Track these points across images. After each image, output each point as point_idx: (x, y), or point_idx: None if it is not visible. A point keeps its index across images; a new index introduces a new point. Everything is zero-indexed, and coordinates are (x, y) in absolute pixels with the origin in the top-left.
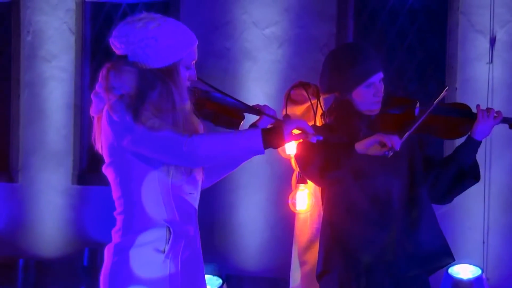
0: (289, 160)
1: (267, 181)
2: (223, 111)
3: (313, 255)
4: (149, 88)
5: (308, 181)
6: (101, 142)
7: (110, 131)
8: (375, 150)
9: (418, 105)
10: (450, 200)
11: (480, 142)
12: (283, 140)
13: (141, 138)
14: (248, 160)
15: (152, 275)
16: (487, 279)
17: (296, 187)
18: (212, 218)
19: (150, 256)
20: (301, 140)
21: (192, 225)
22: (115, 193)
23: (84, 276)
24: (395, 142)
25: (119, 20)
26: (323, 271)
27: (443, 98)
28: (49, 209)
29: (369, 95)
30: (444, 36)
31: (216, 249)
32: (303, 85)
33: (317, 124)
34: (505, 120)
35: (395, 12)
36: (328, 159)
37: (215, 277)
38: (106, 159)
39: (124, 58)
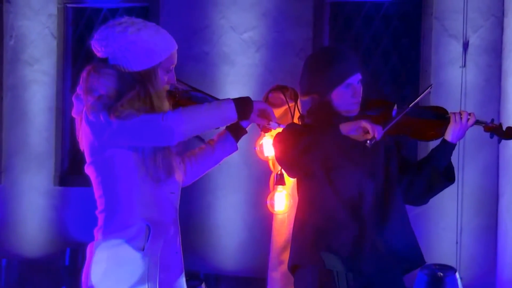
0: (267, 162)
1: (245, 183)
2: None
3: None
4: (127, 90)
5: (286, 183)
6: (82, 143)
7: (89, 131)
8: (357, 135)
9: (395, 107)
10: (425, 202)
11: (454, 145)
12: (251, 112)
13: (118, 129)
14: (225, 161)
15: (132, 272)
16: (461, 278)
17: (274, 189)
18: (191, 218)
19: (129, 254)
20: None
21: (172, 223)
22: (97, 192)
23: (65, 276)
24: (378, 131)
25: (100, 25)
26: (295, 265)
27: (423, 100)
28: (32, 210)
29: (347, 96)
30: (418, 40)
31: (195, 248)
32: (281, 88)
33: None
34: (478, 123)
35: (370, 17)
36: (312, 138)
37: (194, 276)
38: (87, 158)
39: (105, 61)
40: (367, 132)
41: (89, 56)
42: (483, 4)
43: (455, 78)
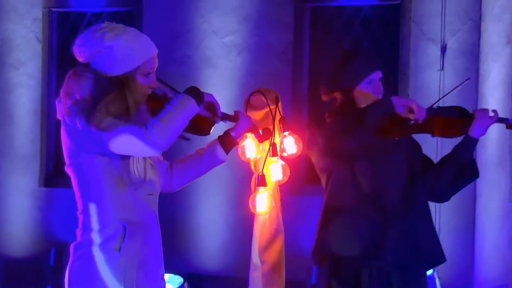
0: (248, 164)
1: (227, 184)
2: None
3: (272, 255)
4: (103, 94)
5: (268, 184)
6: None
7: (66, 134)
8: (403, 112)
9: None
10: (448, 198)
11: (477, 140)
12: (203, 99)
13: (99, 139)
14: (213, 167)
15: (109, 272)
16: (439, 278)
17: (256, 190)
18: (174, 219)
19: (106, 254)
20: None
21: (150, 224)
22: (76, 193)
23: (50, 275)
24: (422, 114)
25: (84, 29)
26: (318, 254)
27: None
28: (17, 211)
29: (370, 93)
30: (397, 44)
31: (178, 248)
32: (262, 91)
33: (275, 128)
34: (500, 120)
35: (350, 22)
36: (364, 112)
37: (177, 276)
38: (66, 160)
39: (87, 65)
40: (412, 111)
41: (74, 60)
42: (460, 8)
43: (433, 81)
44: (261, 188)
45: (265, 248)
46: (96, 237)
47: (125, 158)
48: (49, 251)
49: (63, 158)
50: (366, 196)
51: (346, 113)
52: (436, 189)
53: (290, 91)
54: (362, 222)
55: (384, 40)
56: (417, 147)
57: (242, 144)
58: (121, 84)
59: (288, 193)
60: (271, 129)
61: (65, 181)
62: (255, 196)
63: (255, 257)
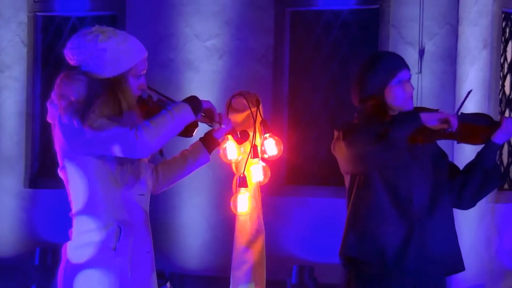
0: (230, 165)
1: (209, 185)
2: None
3: (253, 254)
4: (96, 96)
5: (249, 185)
6: (55, 146)
7: (61, 135)
8: (435, 125)
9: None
10: (474, 204)
11: (499, 146)
12: (201, 108)
13: (91, 140)
14: (197, 168)
15: (104, 271)
16: None
17: (237, 191)
18: (157, 219)
19: (102, 254)
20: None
21: (142, 224)
22: (69, 194)
23: (35, 275)
24: (455, 121)
25: (69, 32)
26: (346, 257)
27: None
28: (2, 211)
29: (400, 91)
30: (376, 47)
31: (160, 248)
32: (243, 94)
33: (256, 130)
34: None
35: (330, 25)
36: (392, 123)
37: (159, 275)
38: (60, 162)
39: (77, 68)
40: (446, 121)
41: (59, 63)
42: (438, 12)
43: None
44: (242, 189)
45: (246, 248)
46: (91, 237)
47: (120, 158)
48: (34, 251)
49: (48, 160)
50: (393, 202)
51: (376, 118)
52: (463, 196)
53: (270, 94)
54: (387, 227)
55: (363, 44)
56: (444, 155)
57: (224, 146)
58: (113, 86)
59: (269, 194)
60: (249, 131)
61: (50, 183)
62: (236, 197)
63: (236, 257)
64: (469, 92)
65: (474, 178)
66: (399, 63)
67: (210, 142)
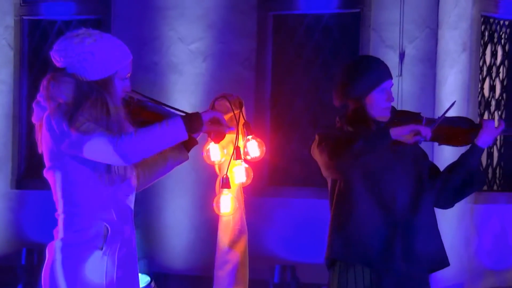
0: (213, 166)
1: (192, 186)
2: (157, 119)
3: (236, 254)
4: (85, 98)
5: (231, 186)
6: (42, 147)
7: (49, 137)
8: (407, 138)
9: (423, 116)
10: (453, 205)
11: (483, 150)
12: (202, 125)
13: (76, 142)
14: (176, 166)
15: (90, 271)
16: None
17: (220, 192)
18: (141, 220)
19: (88, 253)
20: (319, 140)
21: (128, 224)
22: (55, 195)
23: (22, 275)
24: (428, 131)
25: (55, 36)
26: (331, 260)
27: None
28: None
29: (381, 100)
30: (357, 51)
31: (145, 248)
32: (226, 96)
33: (239, 132)
34: (506, 132)
35: (311, 29)
36: (364, 143)
37: (144, 275)
38: (47, 163)
39: (63, 70)
40: (418, 133)
41: (45, 66)
42: (418, 16)
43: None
44: (225, 190)
45: (229, 248)
46: (79, 237)
47: None
48: (20, 251)
49: (35, 161)
50: (376, 202)
51: (356, 122)
52: (442, 196)
53: (253, 96)
54: (372, 228)
55: (344, 47)
56: (424, 155)
57: (207, 148)
58: (100, 89)
59: (252, 195)
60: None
61: (36, 183)
62: (219, 198)
63: (219, 257)
64: (453, 103)
65: (456, 180)
66: (385, 73)
67: (189, 141)
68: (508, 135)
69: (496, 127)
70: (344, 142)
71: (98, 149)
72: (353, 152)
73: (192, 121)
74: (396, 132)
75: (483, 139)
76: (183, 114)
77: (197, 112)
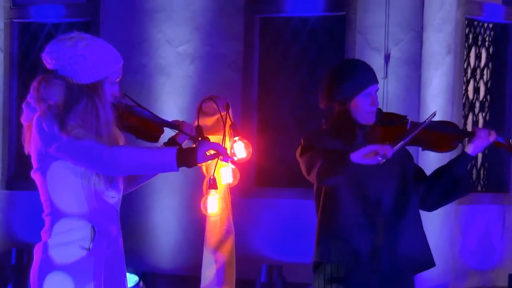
0: (200, 168)
1: (180, 187)
2: (144, 125)
3: (223, 254)
4: (75, 101)
5: (219, 187)
6: (30, 148)
7: (38, 139)
8: (368, 159)
9: (409, 119)
10: (437, 208)
11: (473, 157)
12: (196, 161)
13: (65, 146)
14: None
15: (78, 271)
16: None
17: (207, 192)
18: (129, 220)
19: (76, 253)
20: (301, 150)
21: (114, 225)
22: (43, 196)
23: (11, 275)
24: (387, 150)
25: (44, 38)
26: (318, 263)
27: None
28: None
29: (366, 105)
30: (343, 53)
31: (133, 248)
32: (213, 98)
33: (226, 134)
34: (498, 143)
35: (298, 32)
36: (326, 167)
37: (132, 275)
38: (34, 164)
39: (53, 72)
40: (377, 153)
41: (35, 68)
42: (403, 19)
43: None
44: (213, 191)
45: (216, 248)
46: (66, 237)
47: None
48: (10, 251)
49: (25, 162)
50: (362, 205)
51: (342, 125)
52: (428, 199)
53: (240, 98)
54: (358, 231)
55: (330, 50)
56: (409, 156)
57: None
58: (91, 92)
59: (238, 196)
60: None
61: (26, 184)
62: (206, 199)
63: (207, 257)
64: (433, 114)
65: (443, 185)
66: (370, 78)
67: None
68: (498, 142)
69: (489, 137)
70: (317, 159)
71: (87, 156)
72: (318, 174)
73: (187, 157)
74: (356, 156)
75: (474, 147)
76: (174, 130)
77: (194, 148)
